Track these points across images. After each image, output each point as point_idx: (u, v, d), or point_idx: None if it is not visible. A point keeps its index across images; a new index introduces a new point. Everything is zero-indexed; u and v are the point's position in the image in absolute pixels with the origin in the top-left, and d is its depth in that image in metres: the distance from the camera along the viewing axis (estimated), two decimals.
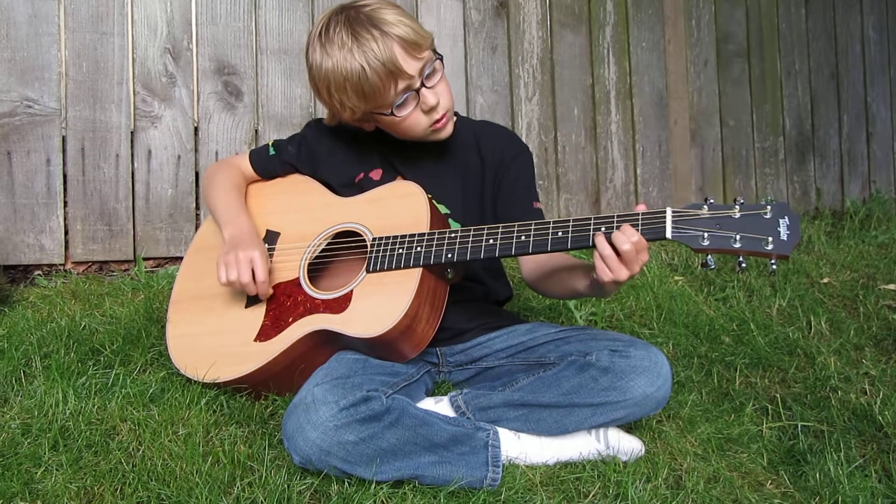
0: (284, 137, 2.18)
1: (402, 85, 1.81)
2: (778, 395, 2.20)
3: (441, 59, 1.88)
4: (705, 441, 1.93)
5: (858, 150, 4.74)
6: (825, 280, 3.20)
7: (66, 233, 2.80)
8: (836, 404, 2.15)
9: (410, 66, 1.80)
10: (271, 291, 1.91)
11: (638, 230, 1.59)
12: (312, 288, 1.87)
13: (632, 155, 3.85)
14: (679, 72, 3.99)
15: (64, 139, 2.79)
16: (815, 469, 1.82)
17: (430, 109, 1.85)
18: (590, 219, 1.66)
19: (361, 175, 2.02)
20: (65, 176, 2.79)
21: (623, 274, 1.59)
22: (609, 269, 1.60)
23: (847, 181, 4.68)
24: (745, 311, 2.78)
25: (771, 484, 1.82)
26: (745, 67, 4.26)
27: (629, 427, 1.90)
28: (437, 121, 1.88)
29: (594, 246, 1.62)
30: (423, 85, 1.83)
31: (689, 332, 2.59)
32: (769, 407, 2.14)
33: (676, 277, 3.10)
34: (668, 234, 1.58)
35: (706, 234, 1.56)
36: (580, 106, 3.72)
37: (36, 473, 1.59)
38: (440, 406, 1.84)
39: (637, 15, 3.88)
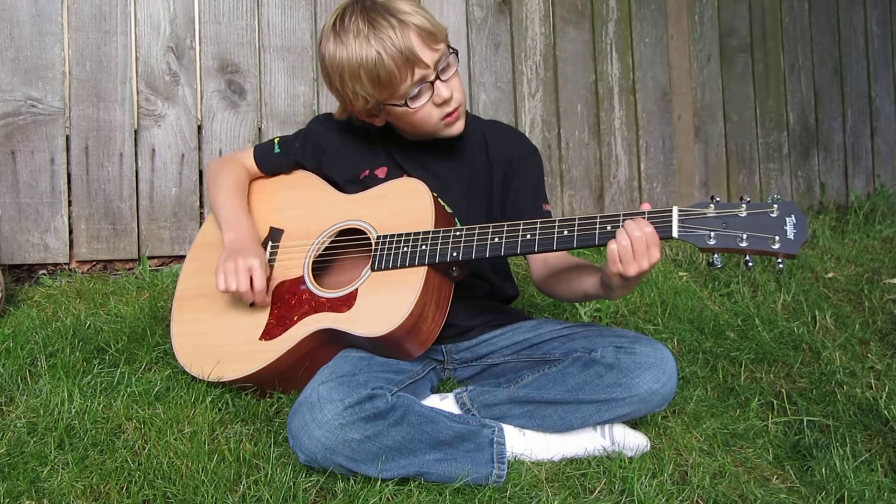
0: (288, 135, 2.17)
1: (417, 74, 1.81)
2: (783, 390, 2.19)
3: (456, 54, 1.88)
4: (711, 436, 1.93)
5: (862, 144, 4.73)
6: (830, 275, 3.20)
7: (71, 232, 2.81)
8: (841, 399, 2.15)
9: (427, 55, 1.80)
10: (269, 300, 1.91)
11: None
12: (317, 286, 1.87)
13: (635, 151, 3.84)
14: (682, 67, 3.98)
15: (68, 138, 2.79)
16: (821, 464, 1.82)
17: (443, 102, 1.85)
18: (595, 217, 1.65)
19: (367, 172, 2.01)
20: (69, 175, 2.79)
21: (632, 269, 1.58)
22: (620, 261, 1.59)
23: (851, 176, 4.67)
24: (750, 307, 2.77)
25: (777, 479, 1.82)
26: (749, 62, 4.25)
27: (634, 423, 1.90)
28: (449, 114, 1.88)
29: (604, 243, 1.61)
30: (437, 77, 1.83)
31: (694, 328, 2.59)
32: (774, 402, 2.13)
33: (681, 273, 3.10)
34: (675, 234, 1.58)
35: (712, 234, 1.55)
36: (583, 102, 3.71)
37: (42, 472, 1.59)
38: (445, 403, 1.84)
39: (640, 10, 3.87)
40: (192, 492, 1.55)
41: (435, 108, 1.86)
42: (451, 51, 1.87)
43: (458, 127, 1.92)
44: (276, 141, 2.14)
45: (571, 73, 3.69)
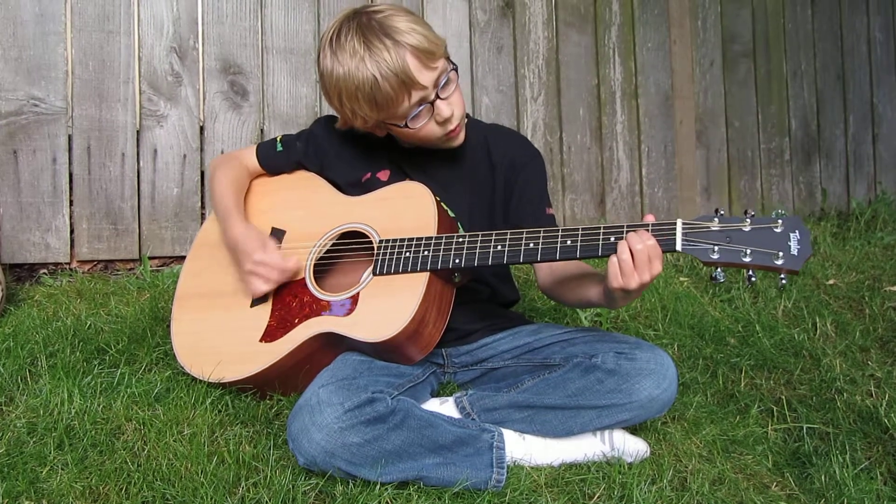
0: (290, 134, 2.16)
1: (416, 96, 1.79)
2: (783, 397, 2.19)
3: (456, 70, 1.87)
4: (710, 443, 1.93)
5: (864, 151, 4.73)
6: (831, 281, 3.19)
7: (72, 231, 2.81)
8: (841, 406, 2.14)
9: (424, 76, 1.78)
10: (293, 267, 1.89)
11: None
12: (318, 289, 1.87)
13: (637, 155, 3.84)
14: (685, 72, 3.98)
15: (70, 138, 2.79)
16: (821, 471, 1.82)
17: (444, 121, 1.85)
18: (599, 228, 1.65)
19: (369, 175, 2.01)
20: (71, 175, 2.80)
21: (633, 281, 1.57)
22: (621, 274, 1.58)
23: (853, 182, 4.67)
24: (751, 313, 2.77)
25: (776, 486, 1.81)
26: (751, 68, 4.25)
27: (634, 428, 1.90)
28: (451, 130, 1.88)
29: (608, 254, 1.61)
30: (437, 96, 1.82)
31: (695, 334, 2.58)
32: (774, 409, 2.13)
33: (682, 279, 3.10)
34: (678, 247, 1.57)
35: (716, 248, 1.54)
36: (585, 106, 3.71)
37: (41, 472, 1.59)
38: (445, 407, 1.84)
39: (643, 15, 3.88)
40: (191, 494, 1.55)
41: (437, 125, 1.85)
42: (452, 66, 1.86)
43: (458, 140, 1.92)
44: (278, 139, 2.14)
45: (574, 76, 3.69)
